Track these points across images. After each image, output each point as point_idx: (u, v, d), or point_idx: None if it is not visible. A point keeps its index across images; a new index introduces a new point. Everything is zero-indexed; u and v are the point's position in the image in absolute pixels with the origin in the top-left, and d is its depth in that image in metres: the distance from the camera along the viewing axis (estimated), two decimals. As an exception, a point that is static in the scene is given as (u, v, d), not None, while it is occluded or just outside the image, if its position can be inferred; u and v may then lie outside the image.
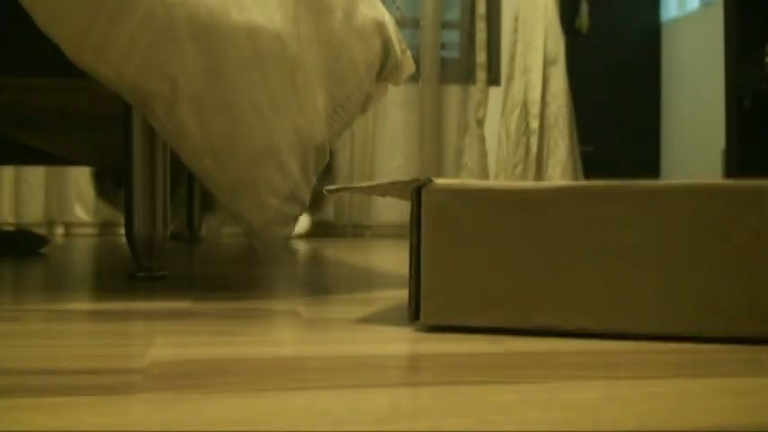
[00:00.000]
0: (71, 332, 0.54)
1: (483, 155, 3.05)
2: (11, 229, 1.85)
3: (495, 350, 0.47)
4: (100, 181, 2.57)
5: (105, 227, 2.78)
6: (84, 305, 0.69)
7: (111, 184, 2.45)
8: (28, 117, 1.38)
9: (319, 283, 0.92)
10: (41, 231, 2.69)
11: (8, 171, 2.73)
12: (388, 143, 3.04)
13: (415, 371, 0.41)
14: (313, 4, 0.87)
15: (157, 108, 0.77)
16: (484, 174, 3.04)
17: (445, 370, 0.41)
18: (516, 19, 3.04)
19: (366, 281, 0.95)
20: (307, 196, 0.85)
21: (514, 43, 3.03)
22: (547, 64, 2.99)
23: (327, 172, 2.76)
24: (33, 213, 2.76)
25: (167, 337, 0.51)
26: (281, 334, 0.54)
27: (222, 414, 0.32)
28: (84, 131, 1.55)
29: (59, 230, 2.75)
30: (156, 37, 0.75)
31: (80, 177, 2.75)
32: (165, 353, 0.45)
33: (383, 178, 3.03)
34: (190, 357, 0.44)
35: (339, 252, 1.67)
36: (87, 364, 0.42)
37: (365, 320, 0.60)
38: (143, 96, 0.77)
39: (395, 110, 3.05)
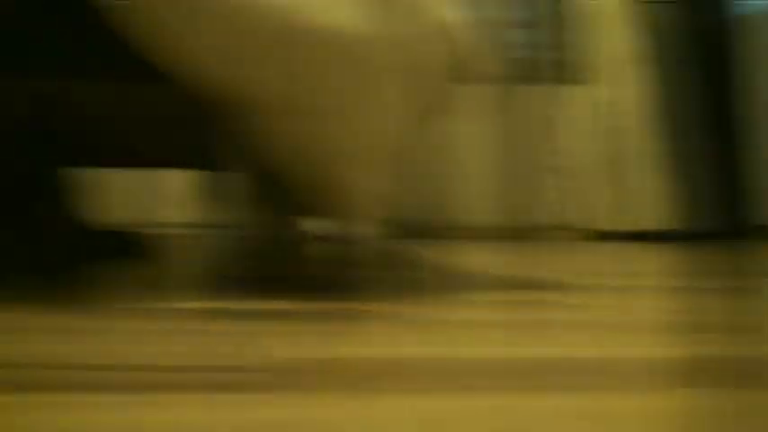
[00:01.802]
0: (184, 330, 0.55)
1: (570, 156, 3.01)
2: (118, 230, 1.91)
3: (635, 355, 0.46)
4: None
5: (199, 228, 2.84)
6: (191, 304, 0.71)
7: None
8: (123, 121, 1.42)
9: (417, 285, 0.92)
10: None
11: (102, 174, 2.81)
12: (466, 146, 3.03)
13: (527, 375, 0.41)
14: (388, 6, 0.87)
15: (242, 112, 0.79)
16: (569, 175, 3.00)
17: (553, 375, 0.41)
18: (599, 16, 2.99)
19: (462, 282, 0.95)
20: (390, 196, 0.85)
21: (599, 41, 2.99)
22: (632, 61, 2.94)
23: None
24: (126, 215, 2.84)
25: (279, 336, 0.52)
26: (390, 335, 0.54)
27: (348, 414, 0.32)
28: (176, 135, 1.59)
29: (152, 231, 2.82)
30: (237, 42, 0.76)
31: (174, 180, 2.82)
32: (280, 352, 0.46)
33: (460, 184, 3.01)
34: (304, 357, 0.45)
35: (430, 253, 1.67)
36: (207, 362, 0.43)
37: (468, 322, 0.60)
38: (228, 101, 0.79)
39: (474, 112, 3.03)
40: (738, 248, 1.96)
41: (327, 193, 0.80)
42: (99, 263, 1.28)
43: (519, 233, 2.96)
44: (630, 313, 0.65)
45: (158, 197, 2.85)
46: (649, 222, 2.84)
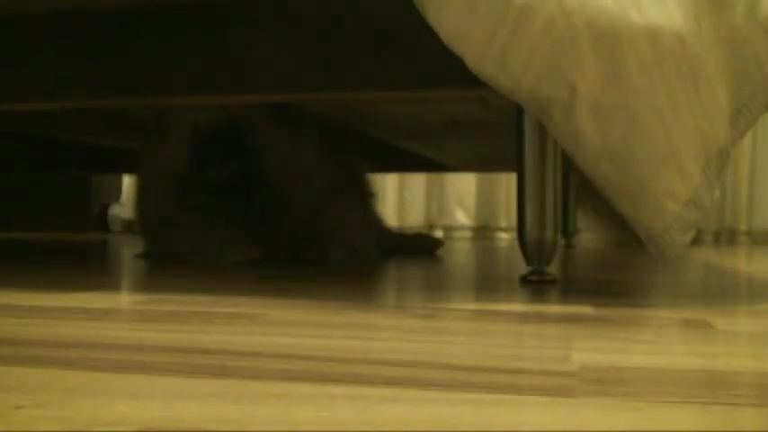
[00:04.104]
0: (489, 332, 0.56)
1: None
2: (411, 232, 2.01)
3: None
4: None
5: (482, 230, 2.89)
6: (490, 306, 0.72)
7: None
8: (417, 127, 1.48)
9: (726, 293, 0.87)
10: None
11: (393, 178, 2.94)
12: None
13: None
14: (713, 2, 0.83)
15: (556, 114, 0.78)
16: None
17: None
18: None
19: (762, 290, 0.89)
20: (708, 201, 0.81)
21: None
22: None
23: None
24: (414, 217, 2.95)
25: (584, 341, 0.51)
26: (701, 346, 0.51)
27: (671, 425, 0.31)
28: (469, 139, 1.63)
29: (439, 233, 2.91)
30: (556, 45, 0.76)
31: (459, 183, 2.88)
32: (590, 358, 0.45)
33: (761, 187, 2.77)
34: (617, 364, 0.44)
35: (733, 259, 1.57)
36: (517, 364, 0.44)
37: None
38: (541, 103, 0.79)
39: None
40: None
41: (640, 197, 0.77)
42: (392, 260, 1.34)
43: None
44: None
45: (444, 200, 2.92)
46: None
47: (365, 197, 1.49)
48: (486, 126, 1.35)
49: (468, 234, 2.92)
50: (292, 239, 1.30)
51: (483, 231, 2.91)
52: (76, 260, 1.38)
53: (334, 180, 1.33)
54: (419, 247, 1.64)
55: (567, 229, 2.14)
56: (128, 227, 2.74)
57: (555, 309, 0.70)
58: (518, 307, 0.72)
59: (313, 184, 1.30)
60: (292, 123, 1.29)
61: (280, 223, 1.29)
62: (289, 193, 1.28)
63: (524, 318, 0.64)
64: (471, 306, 0.72)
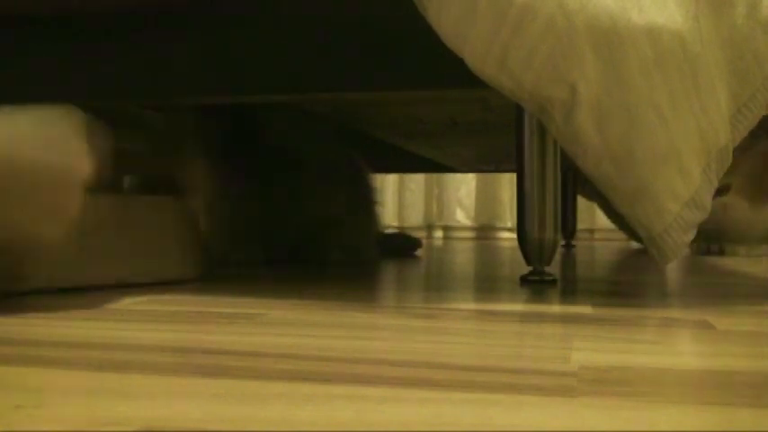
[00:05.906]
0: (488, 332, 0.56)
1: None
2: (391, 232, 2.02)
3: None
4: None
5: (482, 230, 2.89)
6: (490, 306, 0.72)
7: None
8: (417, 127, 1.48)
9: (726, 293, 0.87)
10: (421, 234, 2.87)
11: (393, 178, 2.95)
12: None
13: None
14: (714, 2, 0.83)
15: (556, 114, 0.78)
16: None
17: None
18: None
19: (771, 292, 0.88)
20: (708, 201, 0.81)
21: None
22: None
23: None
24: (414, 217, 2.95)
25: (584, 341, 0.51)
26: (701, 346, 0.51)
27: (671, 425, 0.31)
28: (469, 139, 1.63)
29: (438, 234, 2.91)
30: (557, 44, 0.76)
31: (459, 183, 2.89)
32: (590, 358, 0.45)
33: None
34: (616, 364, 0.44)
35: (734, 262, 1.57)
36: (517, 364, 0.44)
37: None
38: (542, 103, 0.79)
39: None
40: None
41: (640, 197, 0.77)
42: (381, 261, 1.34)
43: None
44: None
45: (444, 200, 2.92)
46: None
47: (367, 197, 1.50)
48: (486, 126, 1.35)
49: (468, 234, 2.92)
50: (293, 239, 1.30)
51: (483, 231, 2.91)
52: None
53: (340, 177, 1.34)
54: (399, 248, 1.64)
55: (566, 229, 2.14)
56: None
57: (555, 309, 0.70)
58: (518, 307, 0.72)
59: (321, 178, 1.30)
60: (310, 119, 1.31)
61: (284, 215, 1.29)
62: (298, 183, 1.28)
63: (524, 318, 0.64)
64: (471, 306, 0.72)
